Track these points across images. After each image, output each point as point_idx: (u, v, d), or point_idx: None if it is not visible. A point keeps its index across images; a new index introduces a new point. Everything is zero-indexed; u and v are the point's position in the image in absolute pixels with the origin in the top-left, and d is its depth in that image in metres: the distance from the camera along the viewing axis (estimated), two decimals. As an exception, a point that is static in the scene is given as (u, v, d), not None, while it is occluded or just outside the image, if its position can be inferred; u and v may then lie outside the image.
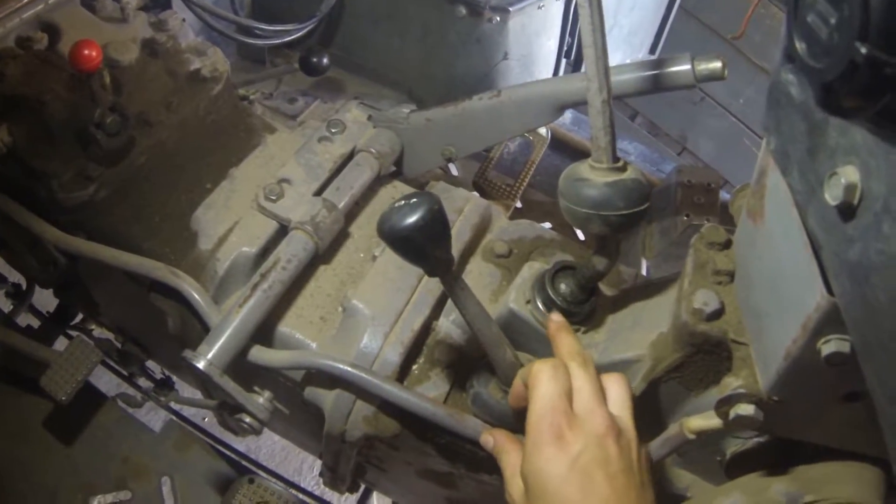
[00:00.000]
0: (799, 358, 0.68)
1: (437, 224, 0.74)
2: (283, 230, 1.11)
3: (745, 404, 0.77)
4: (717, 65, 0.99)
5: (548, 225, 1.48)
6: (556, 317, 0.91)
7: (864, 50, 0.43)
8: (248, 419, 1.04)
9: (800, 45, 0.54)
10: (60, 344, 1.59)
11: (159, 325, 1.24)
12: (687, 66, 1.00)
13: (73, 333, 1.75)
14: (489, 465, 1.00)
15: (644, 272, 1.84)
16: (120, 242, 1.16)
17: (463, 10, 1.97)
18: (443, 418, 0.96)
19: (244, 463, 1.53)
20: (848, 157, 0.54)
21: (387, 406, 1.01)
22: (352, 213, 1.17)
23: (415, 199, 0.74)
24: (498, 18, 1.95)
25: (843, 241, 0.56)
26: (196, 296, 1.05)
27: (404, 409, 0.97)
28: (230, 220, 1.14)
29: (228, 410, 1.08)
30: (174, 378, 1.63)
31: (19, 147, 1.18)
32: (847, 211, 0.54)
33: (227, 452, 1.50)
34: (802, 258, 0.65)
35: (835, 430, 0.81)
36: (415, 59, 2.15)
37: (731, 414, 0.77)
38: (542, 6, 2.03)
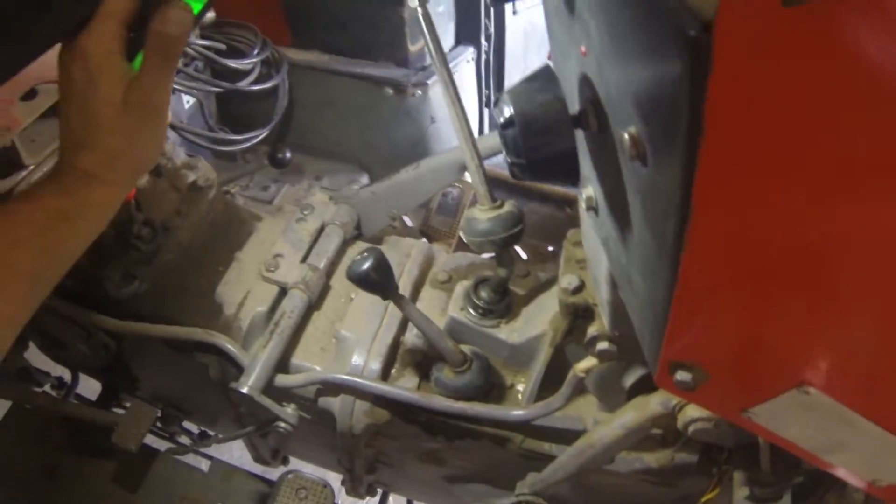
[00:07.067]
0: (612, 300, 1.20)
1: (381, 265, 1.29)
2: (283, 291, 1.63)
3: (603, 341, 1.26)
4: None
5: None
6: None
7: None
8: (282, 425, 1.57)
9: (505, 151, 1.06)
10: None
11: (198, 382, 1.74)
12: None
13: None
14: (461, 431, 1.53)
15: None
16: (162, 321, 1.62)
17: (390, 91, 2.58)
18: (417, 400, 1.46)
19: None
20: (588, 182, 1.12)
21: (377, 400, 1.52)
22: (330, 271, 1.69)
23: (365, 254, 1.30)
24: (419, 92, 2.56)
25: (599, 227, 1.13)
26: (231, 347, 1.54)
27: (389, 399, 1.48)
28: (243, 290, 1.65)
29: (263, 425, 1.63)
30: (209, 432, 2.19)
31: (81, 263, 1.53)
32: (594, 210, 1.12)
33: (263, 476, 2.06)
34: (599, 243, 1.21)
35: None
36: (358, 136, 2.76)
37: (597, 349, 1.30)
38: (455, 73, 2.55)
